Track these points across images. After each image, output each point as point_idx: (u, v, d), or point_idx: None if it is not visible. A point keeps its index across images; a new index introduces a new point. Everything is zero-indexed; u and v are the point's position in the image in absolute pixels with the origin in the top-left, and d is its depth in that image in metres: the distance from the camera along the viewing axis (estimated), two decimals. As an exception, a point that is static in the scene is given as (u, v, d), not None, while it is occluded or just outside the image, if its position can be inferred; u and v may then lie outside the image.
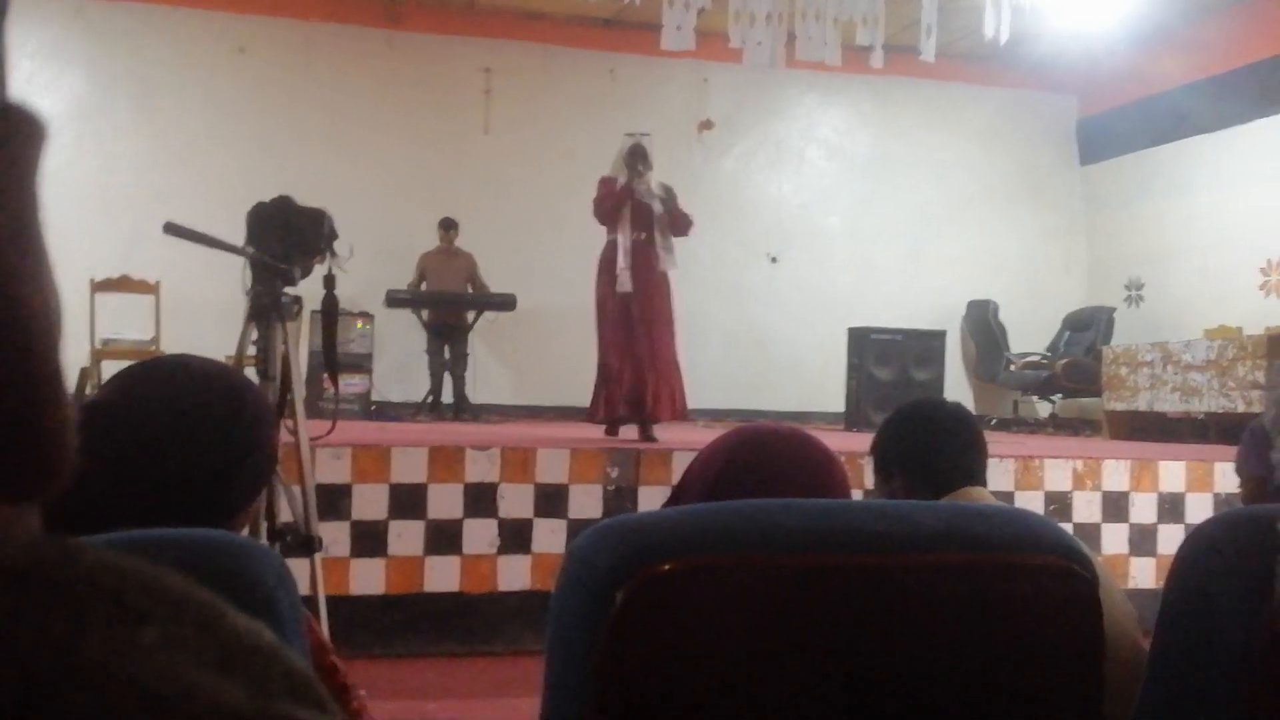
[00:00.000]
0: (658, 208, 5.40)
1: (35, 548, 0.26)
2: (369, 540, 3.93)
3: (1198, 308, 8.54)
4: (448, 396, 7.91)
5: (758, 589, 0.87)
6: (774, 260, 9.57)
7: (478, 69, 8.96)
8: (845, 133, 9.87)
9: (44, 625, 0.24)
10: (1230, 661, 0.91)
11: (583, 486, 4.18)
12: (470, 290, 8.10)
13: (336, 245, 2.71)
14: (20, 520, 0.30)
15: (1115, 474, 4.74)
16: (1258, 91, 8.32)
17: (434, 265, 8.08)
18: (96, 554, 0.27)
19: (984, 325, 9.67)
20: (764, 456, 1.29)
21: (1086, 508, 4.68)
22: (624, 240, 5.31)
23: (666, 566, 0.85)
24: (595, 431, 5.51)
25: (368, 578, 3.93)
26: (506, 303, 7.92)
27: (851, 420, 7.62)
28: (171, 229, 2.42)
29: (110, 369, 5.91)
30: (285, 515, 2.59)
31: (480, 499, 4.07)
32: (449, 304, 7.97)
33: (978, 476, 1.97)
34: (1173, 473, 4.81)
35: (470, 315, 8.07)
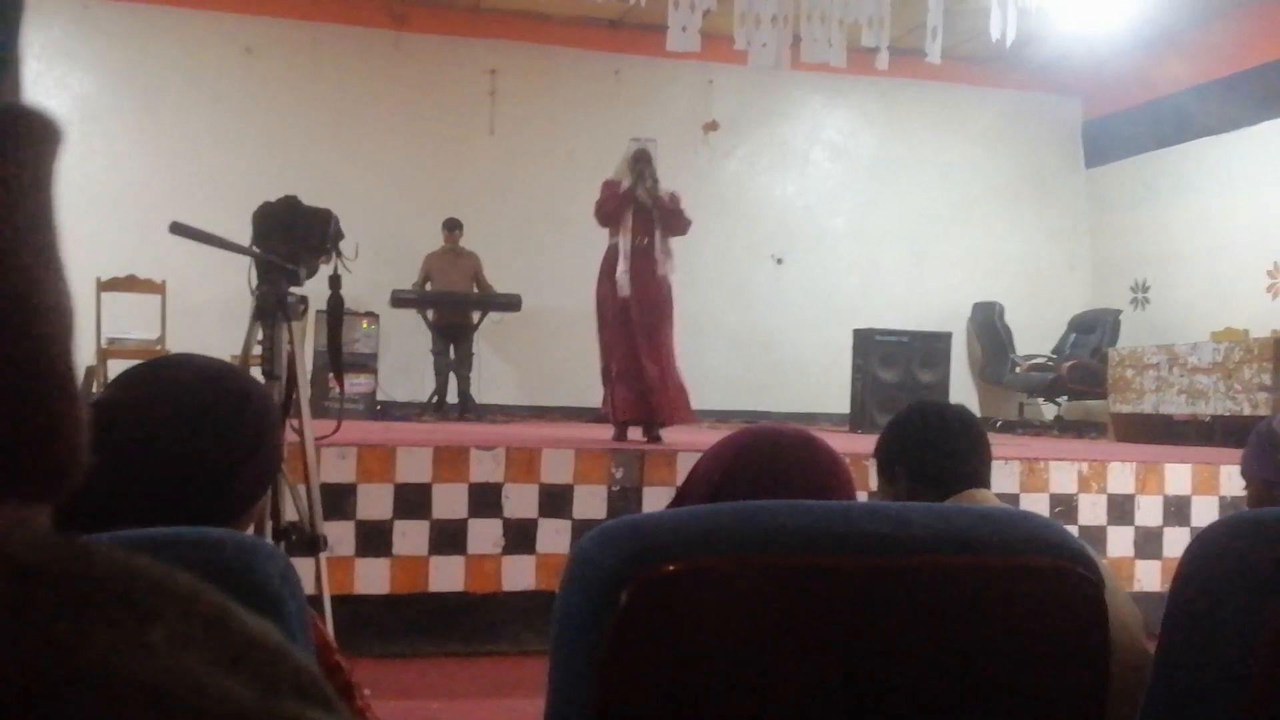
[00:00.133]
0: (663, 200, 5.38)
1: (45, 546, 0.27)
2: (374, 540, 3.94)
3: (1204, 310, 8.52)
4: (453, 396, 7.91)
5: (762, 590, 0.87)
6: (779, 262, 9.57)
7: (483, 70, 8.97)
8: (850, 134, 9.86)
9: (51, 623, 0.24)
10: (1236, 665, 0.91)
11: (587, 487, 4.18)
12: (475, 290, 8.11)
13: (342, 245, 2.71)
14: (32, 519, 0.30)
15: (1121, 476, 4.73)
16: (1264, 94, 8.30)
17: (439, 265, 8.09)
18: (105, 552, 0.27)
19: (989, 327, 9.66)
20: (769, 458, 1.29)
21: (1092, 510, 4.67)
22: (625, 244, 5.30)
23: (671, 567, 0.85)
24: (600, 432, 5.50)
25: (372, 577, 3.93)
26: (511, 303, 7.93)
27: (856, 422, 7.61)
28: (178, 229, 2.43)
29: (116, 368, 5.93)
30: (290, 514, 2.59)
31: (485, 499, 4.07)
32: (454, 304, 7.98)
33: (982, 478, 1.96)
34: (1178, 475, 4.80)
35: (475, 315, 8.07)
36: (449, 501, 4.03)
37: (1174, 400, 7.52)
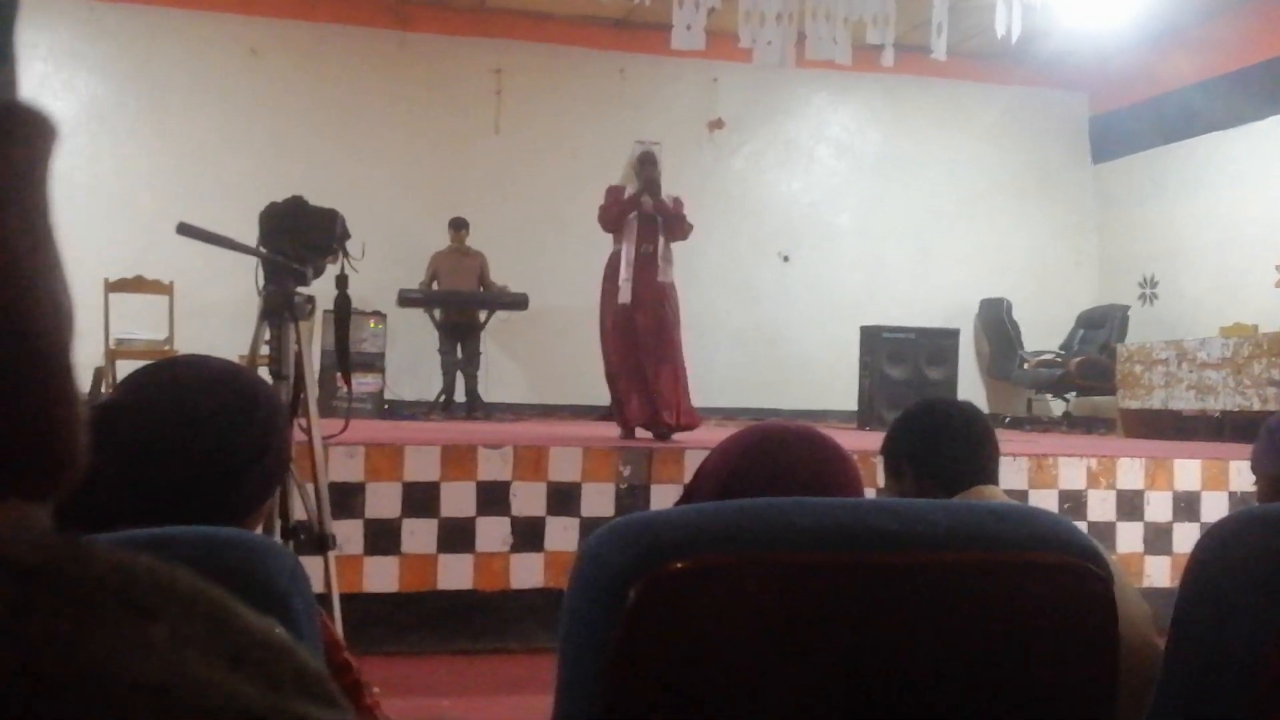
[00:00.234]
0: (667, 206, 5.38)
1: (45, 545, 0.26)
2: (382, 538, 3.94)
3: (1212, 305, 8.50)
4: (460, 395, 7.92)
5: (770, 587, 0.87)
6: (785, 259, 9.56)
7: (488, 69, 8.98)
8: (856, 131, 9.85)
9: (53, 623, 0.24)
10: (1246, 660, 0.90)
11: (595, 485, 4.18)
12: (480, 289, 8.12)
13: (349, 245, 2.71)
14: (32, 518, 0.30)
15: (1130, 472, 4.72)
16: (1270, 89, 8.27)
17: (446, 265, 8.10)
18: (106, 552, 0.27)
19: (997, 323, 9.64)
20: (776, 455, 1.29)
21: (1101, 506, 4.66)
22: (628, 251, 5.29)
23: (679, 565, 0.85)
24: (608, 430, 5.51)
25: (381, 575, 3.94)
26: (518, 302, 7.93)
27: (864, 419, 7.60)
28: (185, 229, 2.43)
29: (124, 369, 5.94)
30: (299, 513, 2.60)
31: (493, 497, 4.07)
32: (461, 303, 7.99)
33: (990, 475, 1.96)
34: (1188, 471, 4.78)
35: (482, 314, 8.08)
36: (457, 500, 4.04)
37: (1183, 396, 7.50)
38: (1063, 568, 0.92)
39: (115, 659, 0.24)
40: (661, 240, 5.36)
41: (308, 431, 2.64)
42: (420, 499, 4.00)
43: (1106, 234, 10.17)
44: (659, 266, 5.34)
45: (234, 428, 1.20)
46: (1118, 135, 9.88)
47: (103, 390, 6.08)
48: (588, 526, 4.08)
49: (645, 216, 5.35)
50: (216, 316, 7.09)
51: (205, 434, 1.17)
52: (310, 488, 2.63)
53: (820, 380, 9.08)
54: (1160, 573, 4.62)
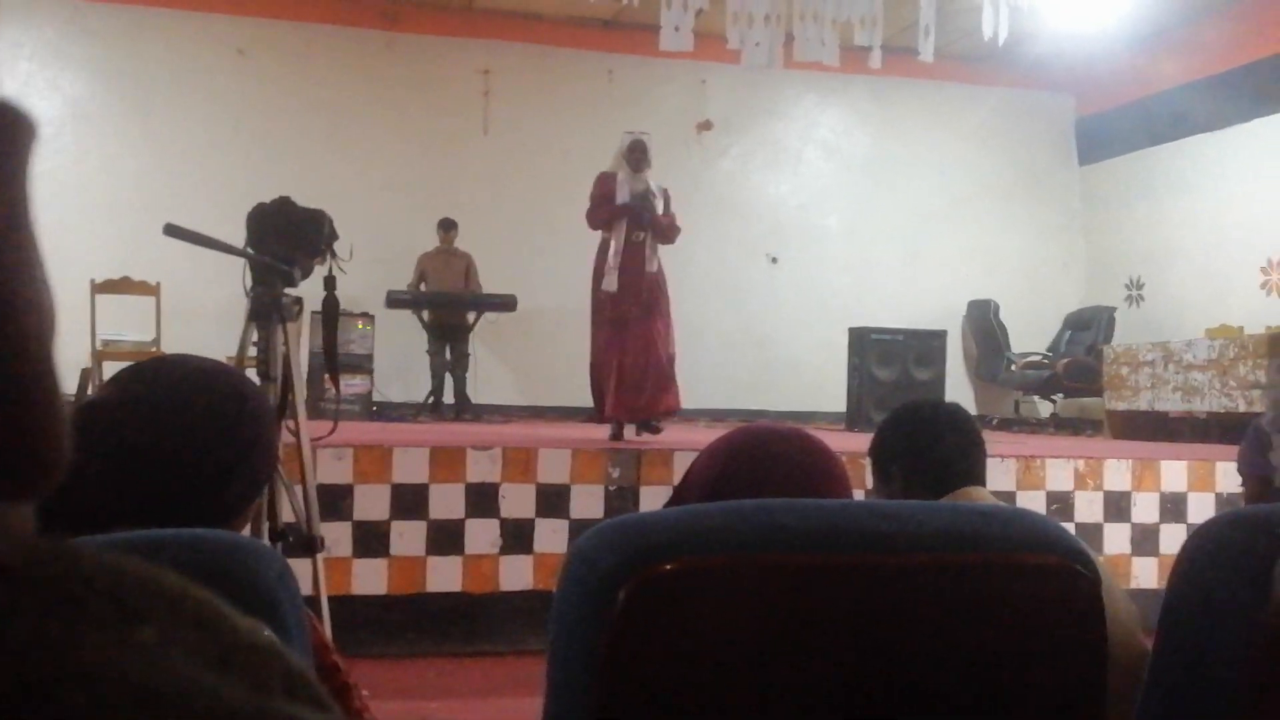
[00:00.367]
0: (659, 207, 5.43)
1: (31, 547, 0.26)
2: (371, 540, 3.93)
3: (1198, 307, 8.54)
4: (449, 397, 7.91)
5: (759, 589, 0.87)
6: (774, 261, 9.57)
7: (476, 70, 8.97)
8: (844, 133, 9.87)
9: (40, 625, 0.24)
10: (1232, 661, 0.91)
11: (584, 486, 4.18)
12: (466, 290, 8.11)
13: (337, 246, 2.71)
14: (15, 519, 0.30)
15: (1117, 474, 4.74)
16: (1256, 91, 8.32)
17: (433, 266, 8.09)
18: (93, 554, 0.27)
19: (985, 325, 9.67)
20: (765, 456, 1.29)
21: (1088, 507, 4.68)
22: (616, 241, 5.34)
23: (668, 566, 0.85)
24: (597, 432, 5.51)
25: (369, 578, 3.93)
26: (507, 303, 7.93)
27: (852, 420, 7.62)
28: (172, 230, 2.42)
29: (111, 370, 5.92)
30: (287, 515, 2.59)
31: (482, 499, 4.07)
32: (450, 304, 7.97)
33: (977, 476, 1.96)
34: (1174, 472, 4.80)
35: (471, 316, 8.07)
36: (446, 502, 4.03)
37: (1169, 397, 7.54)
38: (1050, 569, 0.93)
39: (103, 661, 0.24)
40: (649, 232, 5.41)
41: (296, 433, 2.63)
42: (409, 501, 3.99)
43: (1093, 236, 10.21)
44: (647, 255, 5.39)
45: (220, 428, 1.19)
46: (1104, 137, 9.93)
47: (89, 392, 6.05)
48: (577, 528, 4.08)
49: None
50: (204, 318, 7.06)
51: (191, 434, 1.17)
52: (298, 489, 2.63)
53: (808, 382, 9.09)
54: (1147, 574, 4.64)
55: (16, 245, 0.30)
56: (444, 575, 4.01)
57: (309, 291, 2.69)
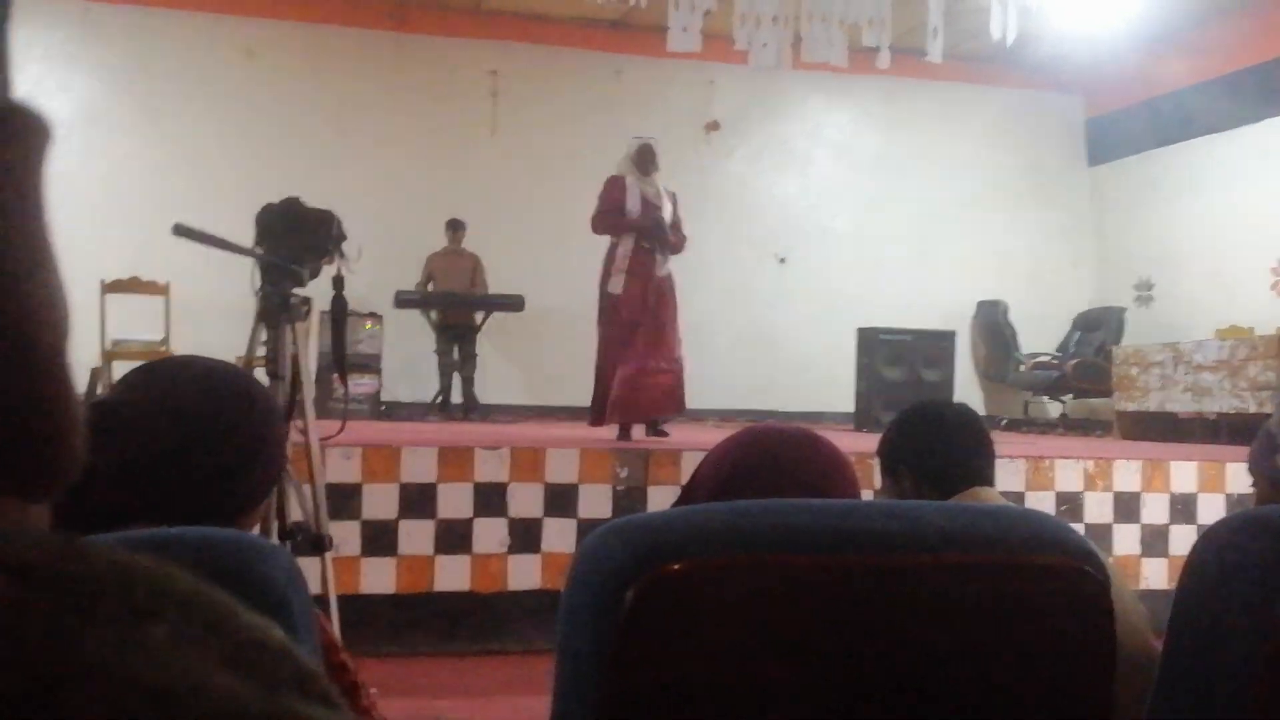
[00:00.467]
0: (668, 211, 5.45)
1: (43, 545, 0.26)
2: (379, 539, 3.94)
3: (1208, 308, 8.50)
4: (457, 396, 7.92)
5: (767, 589, 0.87)
6: (782, 261, 9.57)
7: (484, 71, 8.98)
8: (852, 134, 9.85)
9: (52, 622, 0.24)
10: (1243, 662, 0.91)
11: (592, 486, 4.18)
12: (473, 290, 8.12)
13: (345, 246, 2.71)
14: (29, 518, 0.30)
15: (1126, 474, 4.72)
16: (1265, 91, 8.29)
17: (441, 266, 8.10)
18: (105, 552, 0.27)
19: (994, 325, 9.65)
20: (773, 456, 1.29)
21: (1098, 508, 4.67)
22: (625, 245, 5.36)
23: (676, 566, 0.85)
24: (604, 431, 5.51)
25: (378, 577, 3.93)
26: (515, 303, 7.93)
27: (861, 421, 7.61)
28: (181, 230, 2.43)
29: (121, 370, 5.93)
30: (296, 514, 2.60)
31: (490, 498, 4.07)
32: (458, 304, 7.98)
33: (986, 477, 1.96)
34: (1184, 473, 4.79)
35: (479, 316, 8.08)
36: (454, 501, 4.04)
37: (1179, 398, 7.51)
38: (1059, 570, 0.92)
39: (115, 659, 0.24)
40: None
41: (304, 433, 2.64)
42: (417, 500, 4.00)
43: (1102, 236, 10.18)
44: (657, 260, 5.39)
45: (230, 428, 1.20)
46: (1113, 137, 9.90)
47: (99, 392, 6.07)
48: (585, 528, 4.08)
49: (649, 207, 5.41)
50: (213, 318, 7.07)
51: (201, 434, 1.17)
52: (307, 489, 2.63)
53: (817, 382, 9.08)
54: (1157, 575, 4.62)
55: (31, 248, 0.30)
56: (452, 574, 4.02)
57: (317, 291, 2.70)
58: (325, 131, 8.58)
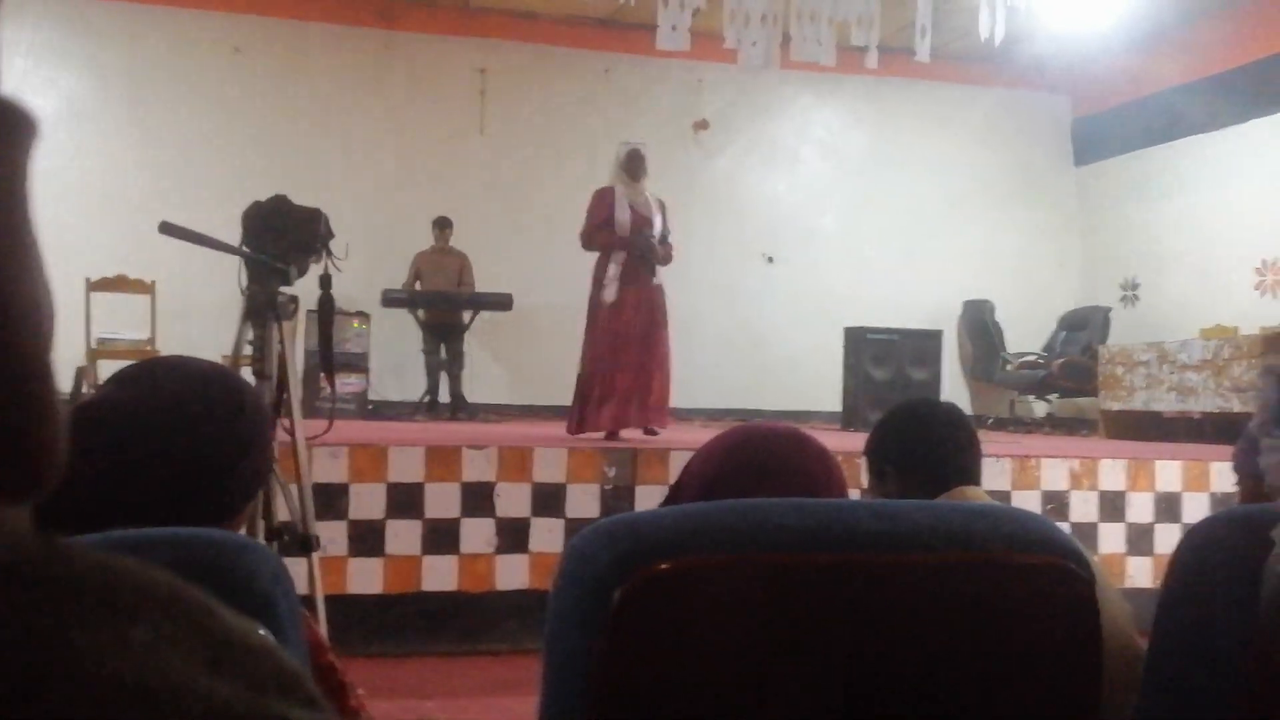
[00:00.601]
0: (657, 222, 5.42)
1: (24, 546, 0.26)
2: (366, 539, 3.93)
3: (1194, 307, 8.55)
4: (444, 396, 7.91)
5: (755, 588, 0.87)
6: (770, 260, 9.58)
7: (473, 69, 8.96)
8: (840, 133, 9.87)
9: (33, 623, 0.24)
10: (1227, 660, 0.91)
11: (580, 486, 4.18)
12: (460, 288, 8.10)
13: (332, 244, 2.70)
14: (11, 519, 0.30)
15: (1112, 473, 4.74)
16: (1252, 92, 8.33)
17: (429, 264, 8.08)
18: (85, 552, 0.27)
19: (980, 325, 9.68)
20: (761, 456, 1.29)
21: (1083, 507, 4.69)
22: (617, 255, 5.34)
23: (664, 566, 0.85)
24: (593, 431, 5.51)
25: (365, 577, 3.92)
26: (503, 302, 7.92)
27: (848, 420, 7.62)
28: (167, 228, 2.42)
29: (106, 369, 5.90)
30: (283, 514, 2.59)
31: (477, 498, 4.07)
32: (445, 303, 7.97)
33: (972, 476, 1.96)
34: (1169, 472, 4.81)
35: (466, 315, 8.07)
36: (441, 501, 4.03)
37: (1164, 397, 7.55)
38: (1045, 568, 0.93)
39: (96, 659, 0.24)
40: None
41: (291, 432, 2.63)
42: (404, 500, 3.99)
43: (1088, 236, 10.22)
44: (648, 271, 5.38)
45: (217, 428, 1.19)
46: (1100, 137, 9.94)
47: (84, 390, 6.04)
48: (573, 527, 4.07)
49: (639, 218, 5.38)
50: (199, 316, 7.05)
51: (188, 434, 1.17)
52: (294, 489, 2.62)
53: (804, 381, 9.10)
54: (1142, 573, 4.65)
55: (15, 244, 0.30)
56: (439, 574, 4.01)
57: (304, 290, 2.69)
58: (313, 129, 8.55)
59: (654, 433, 5.32)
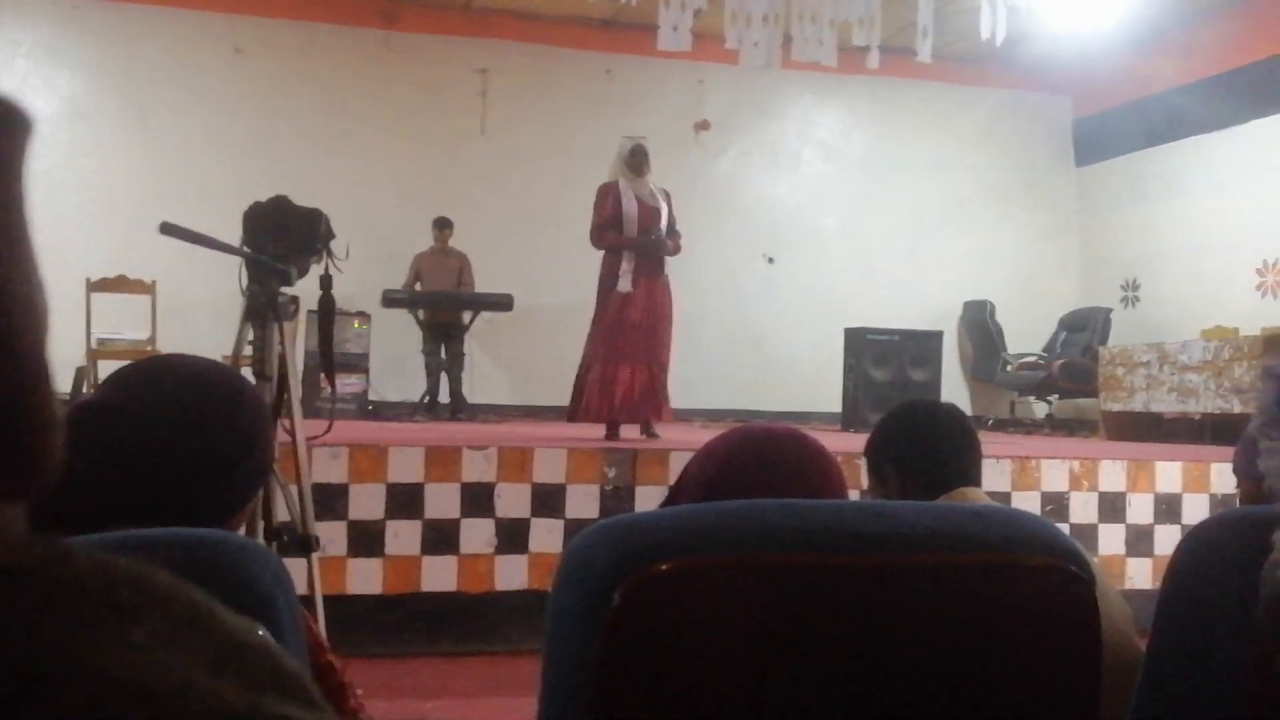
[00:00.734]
0: (664, 212, 5.46)
1: (25, 547, 0.26)
2: (366, 540, 3.93)
3: (1194, 308, 8.55)
4: (444, 396, 7.90)
5: (754, 589, 0.87)
6: (771, 261, 9.58)
7: (474, 69, 8.96)
8: (841, 134, 9.87)
9: (35, 623, 0.24)
10: (1226, 661, 0.91)
11: (580, 486, 4.18)
12: (459, 289, 8.10)
13: (333, 245, 2.70)
14: (7, 519, 0.30)
15: (1112, 475, 4.74)
16: (1252, 92, 8.33)
17: (429, 265, 8.08)
18: (86, 553, 0.27)
19: (981, 326, 9.68)
20: (761, 457, 1.29)
21: (1083, 508, 4.68)
22: (629, 252, 5.38)
23: (664, 566, 0.85)
24: (593, 431, 5.51)
25: (365, 577, 3.92)
26: (503, 303, 7.92)
27: (848, 420, 7.62)
28: (167, 229, 2.42)
29: (106, 369, 5.90)
30: (282, 515, 2.59)
31: (477, 499, 4.06)
32: (445, 304, 7.97)
33: (972, 477, 1.96)
34: (1169, 473, 4.81)
35: (466, 315, 8.07)
36: (441, 501, 4.03)
37: (1164, 398, 7.55)
38: (1045, 569, 0.93)
39: (97, 658, 0.24)
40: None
41: (291, 432, 2.63)
42: (404, 500, 3.99)
43: (1089, 237, 10.22)
44: (658, 263, 5.43)
45: (217, 428, 1.19)
46: (1101, 138, 9.94)
47: (84, 390, 6.04)
48: (572, 528, 4.07)
49: (646, 210, 5.41)
50: (199, 316, 7.05)
51: (188, 434, 1.17)
52: (294, 489, 2.62)
53: (805, 382, 9.09)
54: (1142, 574, 4.65)
55: (11, 243, 0.30)
56: (439, 575, 4.01)
57: (305, 290, 2.69)
58: (314, 130, 8.55)
59: (654, 435, 5.33)
